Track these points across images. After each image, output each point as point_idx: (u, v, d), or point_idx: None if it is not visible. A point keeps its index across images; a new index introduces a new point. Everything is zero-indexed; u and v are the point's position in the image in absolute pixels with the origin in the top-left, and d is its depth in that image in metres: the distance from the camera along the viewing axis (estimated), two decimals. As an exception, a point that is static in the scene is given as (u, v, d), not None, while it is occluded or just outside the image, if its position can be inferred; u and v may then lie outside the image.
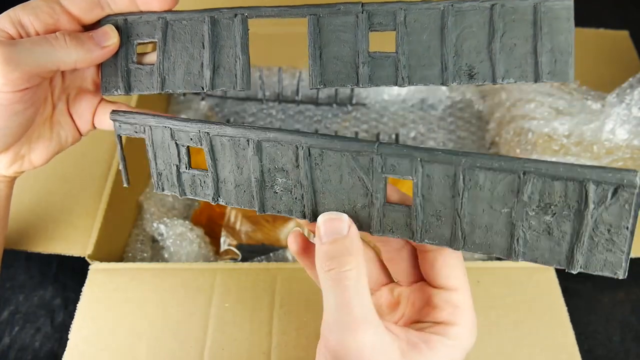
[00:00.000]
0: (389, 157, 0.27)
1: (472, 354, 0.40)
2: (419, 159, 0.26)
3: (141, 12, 0.32)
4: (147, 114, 0.32)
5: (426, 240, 0.27)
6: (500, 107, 0.60)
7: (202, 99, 0.68)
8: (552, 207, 0.24)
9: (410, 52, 0.29)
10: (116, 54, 0.33)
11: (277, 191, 0.30)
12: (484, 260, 0.50)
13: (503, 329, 0.41)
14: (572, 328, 0.41)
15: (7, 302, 0.50)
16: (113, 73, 0.33)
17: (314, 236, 0.28)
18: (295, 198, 0.29)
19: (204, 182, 0.31)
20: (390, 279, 0.32)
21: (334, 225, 0.27)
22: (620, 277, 0.24)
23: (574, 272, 0.25)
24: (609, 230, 0.24)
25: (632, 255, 0.45)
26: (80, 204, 0.49)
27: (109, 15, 0.32)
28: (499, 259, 0.53)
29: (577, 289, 0.50)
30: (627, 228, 0.23)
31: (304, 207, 0.29)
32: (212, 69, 0.31)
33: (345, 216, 0.27)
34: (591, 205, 0.23)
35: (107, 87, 0.34)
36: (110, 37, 0.31)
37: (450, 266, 0.28)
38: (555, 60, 0.28)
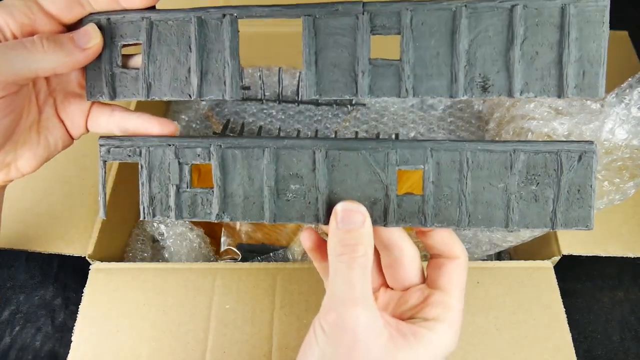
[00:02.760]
0: (403, 151, 0.28)
1: (472, 353, 0.40)
2: (429, 149, 0.27)
3: (125, 11, 0.29)
4: (146, 136, 0.31)
5: (435, 224, 0.29)
6: (499, 107, 0.60)
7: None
8: (536, 177, 0.27)
9: (416, 59, 0.27)
10: (100, 56, 0.30)
11: (289, 198, 0.29)
12: (484, 260, 0.50)
13: (501, 329, 0.41)
14: (572, 328, 0.41)
15: (8, 302, 0.50)
16: (97, 77, 0.31)
17: (327, 236, 0.29)
18: (309, 202, 0.29)
19: (207, 199, 0.30)
20: (384, 283, 0.33)
21: (351, 216, 0.28)
22: (591, 228, 0.28)
23: (557, 229, 0.28)
24: (578, 191, 0.28)
25: (631, 254, 0.46)
26: (80, 204, 0.49)
27: (91, 14, 0.30)
28: (498, 257, 0.53)
29: (577, 289, 0.51)
30: (591, 186, 0.27)
31: (318, 210, 0.29)
32: (200, 76, 0.29)
33: (362, 208, 0.28)
34: (565, 171, 0.27)
35: (91, 92, 0.31)
36: (92, 38, 0.29)
37: (456, 274, 0.30)
38: (584, 72, 0.25)
